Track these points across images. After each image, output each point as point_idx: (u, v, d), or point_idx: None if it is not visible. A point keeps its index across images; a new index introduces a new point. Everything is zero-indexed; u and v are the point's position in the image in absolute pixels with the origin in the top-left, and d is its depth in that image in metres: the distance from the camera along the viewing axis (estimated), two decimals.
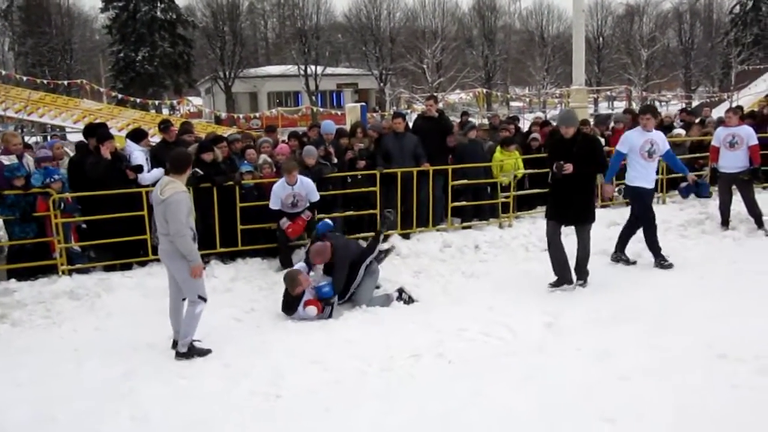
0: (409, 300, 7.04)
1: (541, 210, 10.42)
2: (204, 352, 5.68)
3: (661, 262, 7.73)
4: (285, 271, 7.16)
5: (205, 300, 5.71)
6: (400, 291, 7.11)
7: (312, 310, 6.55)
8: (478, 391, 4.75)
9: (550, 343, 5.62)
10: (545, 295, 6.93)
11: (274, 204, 7.90)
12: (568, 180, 6.87)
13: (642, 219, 7.82)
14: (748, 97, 31.19)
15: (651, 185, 7.87)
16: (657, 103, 49.28)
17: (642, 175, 7.76)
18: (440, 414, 4.45)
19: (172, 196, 5.44)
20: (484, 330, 5.98)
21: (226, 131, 21.00)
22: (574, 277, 7.18)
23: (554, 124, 12.79)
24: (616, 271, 7.84)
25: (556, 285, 7.14)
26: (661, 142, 7.83)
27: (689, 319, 5.90)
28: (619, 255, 8.08)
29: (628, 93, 49.57)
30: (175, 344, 5.77)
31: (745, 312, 5.91)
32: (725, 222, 9.15)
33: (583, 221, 7.08)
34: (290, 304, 6.66)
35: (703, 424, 4.15)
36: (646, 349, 5.32)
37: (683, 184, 10.92)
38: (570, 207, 7.00)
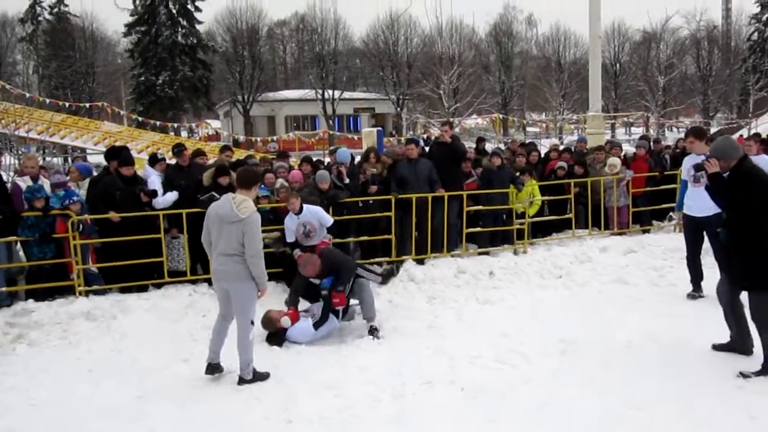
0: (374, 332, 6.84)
1: (556, 237, 10.39)
2: (265, 377, 5.63)
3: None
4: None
5: (254, 324, 5.64)
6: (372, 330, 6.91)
7: (285, 320, 6.65)
8: (491, 419, 4.72)
9: (565, 372, 5.58)
10: (560, 323, 6.88)
11: (289, 238, 7.79)
12: (732, 223, 5.43)
13: None
14: (766, 124, 31.02)
15: (692, 212, 7.46)
16: (674, 130, 49.12)
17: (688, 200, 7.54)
18: None
19: (251, 216, 5.31)
20: (498, 357, 5.95)
21: (242, 154, 21.20)
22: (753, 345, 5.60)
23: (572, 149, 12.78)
24: (630, 299, 7.78)
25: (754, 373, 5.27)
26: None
27: (705, 349, 5.84)
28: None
29: (646, 120, 49.48)
30: (209, 368, 5.64)
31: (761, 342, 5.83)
32: None
33: (744, 285, 5.40)
34: (277, 337, 6.69)
35: None
36: (661, 379, 5.27)
37: None
38: (736, 261, 5.43)
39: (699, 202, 7.22)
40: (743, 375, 5.25)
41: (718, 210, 6.99)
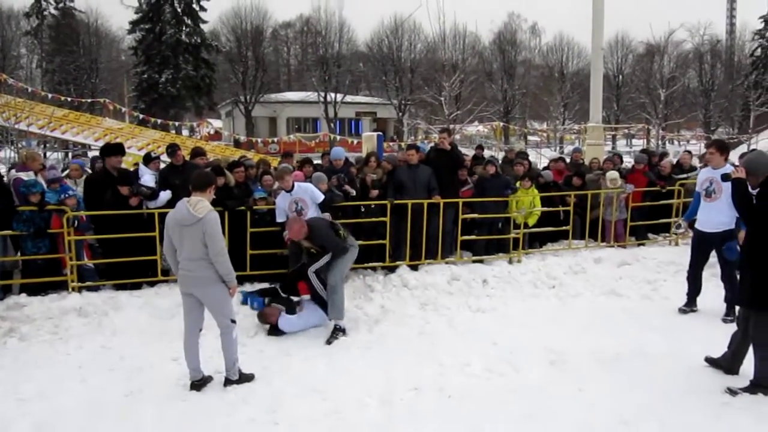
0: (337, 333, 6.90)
1: (551, 248, 10.38)
2: (250, 378, 5.66)
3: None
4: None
5: (235, 322, 5.59)
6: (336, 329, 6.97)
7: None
8: (477, 427, 4.73)
9: (553, 382, 5.59)
10: (550, 333, 6.89)
11: (280, 217, 7.82)
12: (748, 235, 5.36)
13: None
14: (766, 141, 31.07)
15: (702, 227, 7.44)
16: (675, 143, 49.12)
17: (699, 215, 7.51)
18: None
19: (209, 214, 5.23)
20: (487, 366, 5.96)
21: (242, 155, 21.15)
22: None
23: (569, 160, 12.80)
24: (622, 312, 7.79)
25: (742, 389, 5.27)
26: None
27: (694, 364, 5.86)
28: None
29: (647, 132, 49.49)
30: (194, 386, 5.49)
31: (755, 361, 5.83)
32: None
33: (749, 304, 5.34)
34: (274, 329, 6.96)
35: None
36: (649, 393, 5.28)
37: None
38: (745, 277, 5.41)
39: (710, 217, 7.29)
40: (731, 391, 5.25)
41: (729, 227, 7.07)
